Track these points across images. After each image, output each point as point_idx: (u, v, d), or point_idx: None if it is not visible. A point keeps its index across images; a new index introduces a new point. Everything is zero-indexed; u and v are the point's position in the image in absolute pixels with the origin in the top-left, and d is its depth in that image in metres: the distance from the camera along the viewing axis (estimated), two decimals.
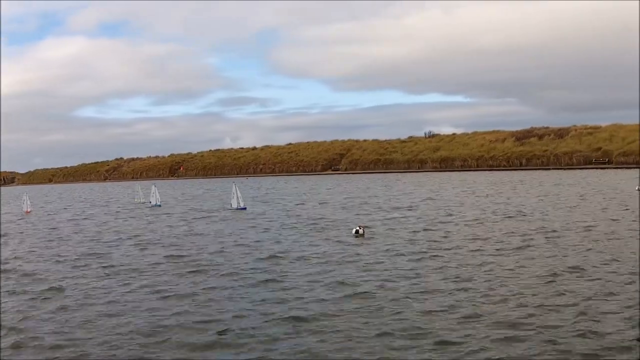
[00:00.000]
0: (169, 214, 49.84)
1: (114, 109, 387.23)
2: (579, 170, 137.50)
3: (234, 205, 49.76)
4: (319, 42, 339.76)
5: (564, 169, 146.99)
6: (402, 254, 23.85)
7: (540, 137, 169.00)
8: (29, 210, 61.07)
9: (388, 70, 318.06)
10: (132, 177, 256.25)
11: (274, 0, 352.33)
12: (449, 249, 24.72)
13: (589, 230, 29.47)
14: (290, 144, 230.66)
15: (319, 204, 56.09)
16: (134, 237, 33.48)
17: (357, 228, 30.07)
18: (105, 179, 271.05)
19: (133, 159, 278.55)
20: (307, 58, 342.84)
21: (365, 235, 29.28)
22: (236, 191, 49.81)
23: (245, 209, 49.06)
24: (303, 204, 57.51)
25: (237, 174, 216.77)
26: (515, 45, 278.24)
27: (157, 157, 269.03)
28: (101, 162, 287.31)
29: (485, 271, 19.72)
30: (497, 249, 24.36)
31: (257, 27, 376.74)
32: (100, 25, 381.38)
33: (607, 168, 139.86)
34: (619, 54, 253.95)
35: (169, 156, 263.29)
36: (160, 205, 58.97)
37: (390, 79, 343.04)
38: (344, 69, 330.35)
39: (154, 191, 60.09)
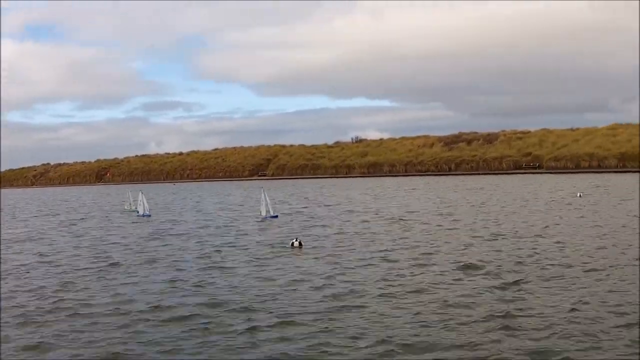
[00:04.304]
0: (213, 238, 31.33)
1: (40, 113, 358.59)
2: (507, 175, 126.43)
3: (264, 214, 41.47)
4: (243, 46, 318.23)
5: (495, 173, 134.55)
6: None
7: (469, 142, 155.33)
8: None
9: (313, 75, 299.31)
10: (59, 183, 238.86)
11: (200, 1, 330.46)
12: None
13: None
14: (216, 149, 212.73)
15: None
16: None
17: (294, 240, 26.27)
18: (32, 185, 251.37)
19: (60, 165, 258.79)
20: (232, 62, 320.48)
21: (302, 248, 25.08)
22: (265, 198, 41.57)
23: (277, 216, 41.02)
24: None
25: (164, 180, 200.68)
26: (441, 50, 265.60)
27: (83, 162, 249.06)
28: (28, 167, 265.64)
29: None
30: None
31: (182, 32, 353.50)
32: (25, 28, 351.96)
33: (539, 173, 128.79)
34: (543, 58, 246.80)
35: (95, 161, 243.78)
36: (150, 215, 47.22)
37: (316, 84, 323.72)
38: (269, 74, 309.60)
39: (142, 199, 48.59)
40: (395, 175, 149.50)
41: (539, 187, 72.01)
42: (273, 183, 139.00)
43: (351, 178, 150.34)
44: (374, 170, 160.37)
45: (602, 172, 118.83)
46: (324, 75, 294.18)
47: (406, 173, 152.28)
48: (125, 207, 58.77)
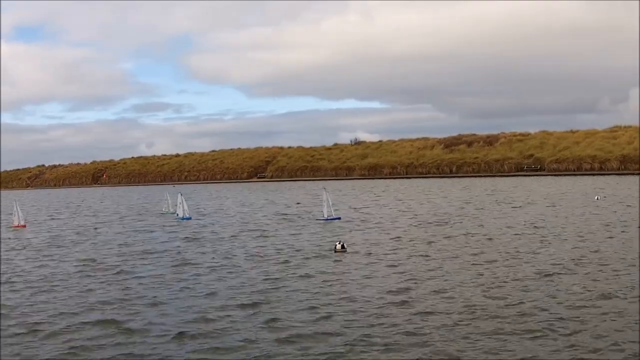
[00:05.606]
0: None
1: (29, 115, 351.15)
2: (511, 177, 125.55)
3: (325, 215, 39.74)
4: (233, 47, 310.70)
5: (497, 176, 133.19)
6: None
7: (469, 144, 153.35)
8: (22, 223, 44.77)
9: (303, 76, 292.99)
10: (55, 185, 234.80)
11: (190, 1, 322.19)
12: None
13: None
14: (214, 150, 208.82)
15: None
16: None
17: (337, 244, 25.38)
18: (27, 186, 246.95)
19: (55, 166, 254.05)
20: (222, 63, 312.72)
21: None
22: (327, 199, 40.03)
23: (339, 218, 39.52)
24: None
25: (161, 182, 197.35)
26: (432, 52, 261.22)
27: (78, 164, 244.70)
28: (22, 169, 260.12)
29: None
30: None
31: (172, 32, 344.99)
32: (15, 29, 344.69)
33: (541, 175, 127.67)
34: (533, 59, 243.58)
35: (91, 163, 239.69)
36: (190, 218, 45.52)
37: (305, 85, 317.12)
38: (259, 75, 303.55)
39: (182, 201, 46.96)
40: (397, 177, 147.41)
41: (560, 189, 70.72)
42: (276, 185, 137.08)
43: (352, 180, 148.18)
44: (374, 172, 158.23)
45: (604, 174, 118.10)
46: (313, 77, 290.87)
47: (407, 175, 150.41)
48: (164, 210, 57.24)
